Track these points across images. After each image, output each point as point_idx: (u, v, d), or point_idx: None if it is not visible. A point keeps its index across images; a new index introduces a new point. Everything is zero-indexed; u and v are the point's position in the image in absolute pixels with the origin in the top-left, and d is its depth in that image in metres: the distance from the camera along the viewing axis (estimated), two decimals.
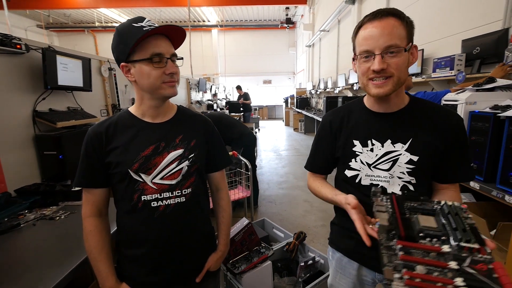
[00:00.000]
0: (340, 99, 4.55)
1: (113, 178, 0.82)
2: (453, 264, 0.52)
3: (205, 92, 7.41)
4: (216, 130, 1.00)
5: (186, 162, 0.85)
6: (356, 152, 0.83)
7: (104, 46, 12.87)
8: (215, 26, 12.67)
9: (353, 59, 0.79)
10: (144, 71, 0.76)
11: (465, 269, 0.52)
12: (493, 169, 1.48)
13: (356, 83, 5.03)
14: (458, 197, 0.78)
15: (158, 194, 0.81)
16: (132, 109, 0.86)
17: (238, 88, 8.76)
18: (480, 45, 2.20)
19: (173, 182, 0.83)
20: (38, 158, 1.74)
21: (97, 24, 11.75)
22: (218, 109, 7.49)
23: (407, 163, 0.74)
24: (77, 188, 1.49)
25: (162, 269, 0.85)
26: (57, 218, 1.31)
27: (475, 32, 2.37)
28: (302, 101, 9.23)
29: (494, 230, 1.49)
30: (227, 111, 7.75)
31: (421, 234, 0.56)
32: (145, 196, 0.80)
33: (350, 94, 5.51)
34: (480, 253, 0.54)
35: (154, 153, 0.81)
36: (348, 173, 0.85)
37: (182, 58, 0.85)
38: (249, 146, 2.97)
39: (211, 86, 8.07)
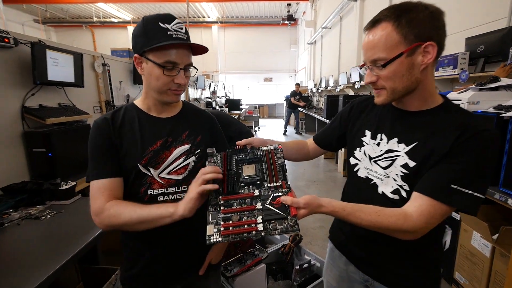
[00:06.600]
0: (341, 98, 4.46)
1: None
2: (258, 205, 0.63)
3: (204, 89, 7.35)
4: (219, 127, 1.00)
5: (193, 158, 0.85)
6: (364, 142, 0.82)
7: (102, 42, 12.73)
8: (215, 22, 12.55)
9: None
10: (154, 73, 0.75)
11: (267, 206, 0.62)
12: (495, 171, 1.43)
13: (357, 81, 4.96)
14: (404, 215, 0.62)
15: (165, 189, 0.81)
16: (137, 102, 0.86)
17: (297, 85, 8.78)
18: (485, 43, 2.13)
19: (180, 177, 0.83)
20: (27, 155, 1.69)
21: (95, 19, 11.63)
22: (217, 107, 7.44)
23: (402, 166, 0.70)
24: (65, 187, 1.44)
25: (165, 260, 0.85)
26: (43, 217, 1.26)
27: (479, 30, 2.31)
28: (304, 100, 9.14)
29: (497, 235, 1.45)
30: (226, 109, 7.71)
31: (242, 184, 0.67)
32: (152, 191, 0.80)
33: (351, 93, 5.44)
34: (282, 187, 0.65)
35: (162, 148, 0.82)
36: (351, 161, 0.87)
37: (196, 69, 0.85)
38: None
39: (210, 83, 8.00)
